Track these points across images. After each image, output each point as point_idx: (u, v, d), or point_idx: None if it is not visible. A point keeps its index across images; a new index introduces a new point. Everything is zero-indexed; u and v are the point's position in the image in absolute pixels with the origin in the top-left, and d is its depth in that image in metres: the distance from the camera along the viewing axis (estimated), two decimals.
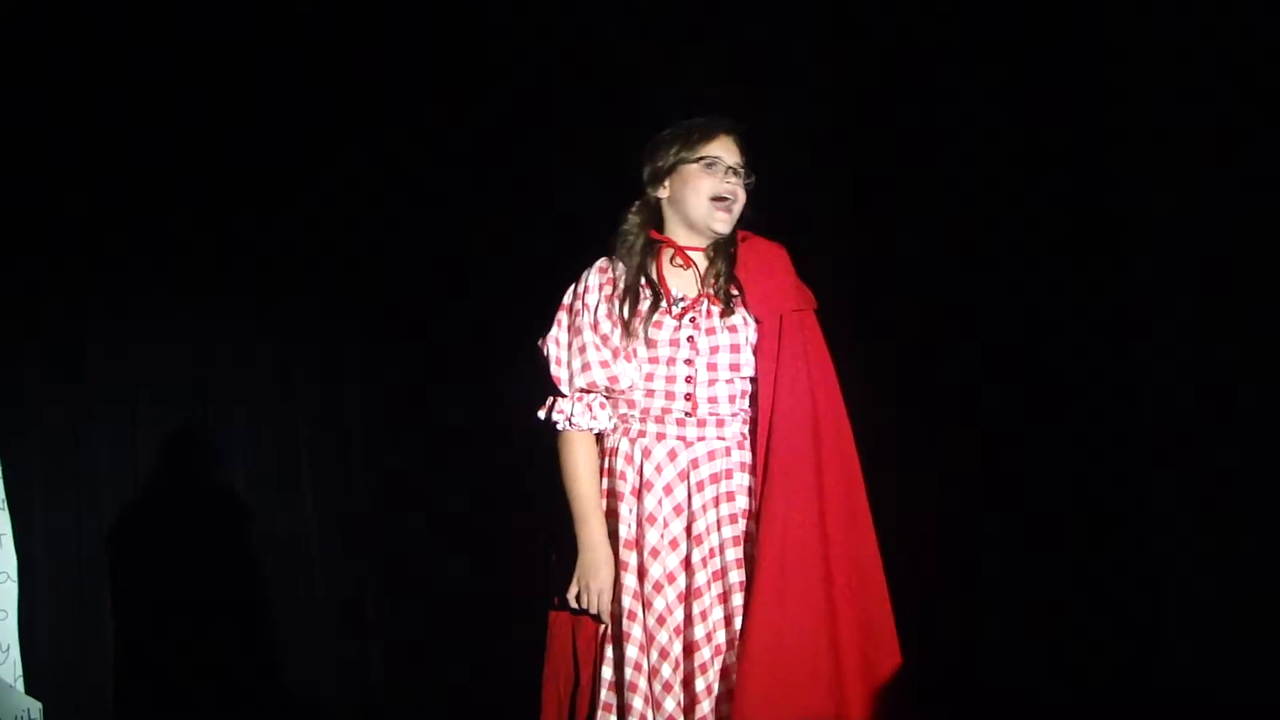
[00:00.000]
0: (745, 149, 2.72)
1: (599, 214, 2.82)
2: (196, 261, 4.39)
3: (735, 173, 2.69)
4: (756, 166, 2.73)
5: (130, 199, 4.27)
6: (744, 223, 2.74)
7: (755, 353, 2.67)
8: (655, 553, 2.59)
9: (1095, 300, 3.71)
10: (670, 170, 2.69)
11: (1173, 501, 3.53)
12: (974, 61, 3.80)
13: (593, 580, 2.60)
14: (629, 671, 2.54)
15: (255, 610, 4.43)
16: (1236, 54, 3.31)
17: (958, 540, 3.78)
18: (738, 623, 2.55)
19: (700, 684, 2.54)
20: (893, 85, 3.83)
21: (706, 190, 2.67)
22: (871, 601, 2.61)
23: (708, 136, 2.69)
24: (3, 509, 4.19)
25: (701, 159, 2.67)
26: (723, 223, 2.68)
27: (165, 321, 4.38)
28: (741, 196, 2.70)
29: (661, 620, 2.56)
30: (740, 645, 2.51)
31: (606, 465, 2.68)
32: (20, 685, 4.18)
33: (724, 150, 2.69)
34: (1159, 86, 3.53)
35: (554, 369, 2.67)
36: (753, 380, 2.68)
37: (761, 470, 2.61)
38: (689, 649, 2.56)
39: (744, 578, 2.58)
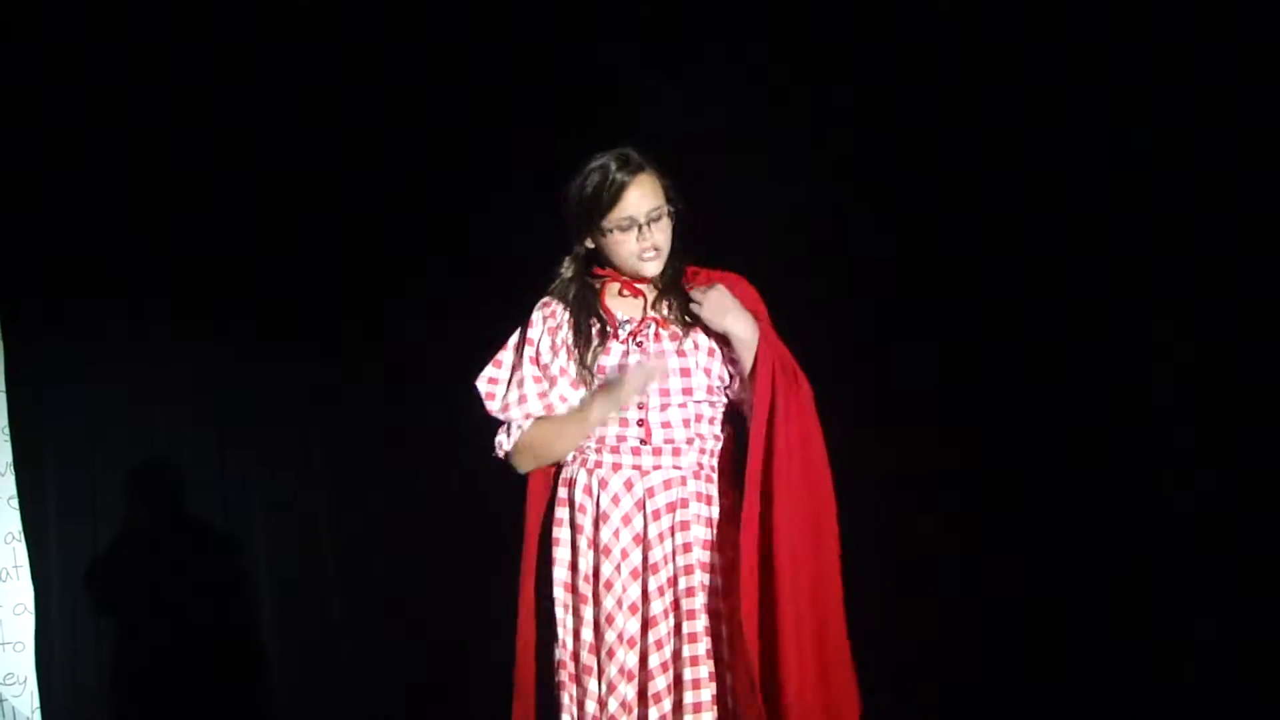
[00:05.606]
0: (662, 178, 2.61)
1: None
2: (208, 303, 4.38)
3: (655, 219, 2.58)
4: (679, 185, 2.64)
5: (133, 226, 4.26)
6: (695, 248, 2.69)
7: (731, 363, 2.60)
8: (609, 585, 2.56)
9: (1097, 301, 3.56)
10: (591, 231, 2.62)
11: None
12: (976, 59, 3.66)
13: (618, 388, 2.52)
14: (591, 706, 2.56)
15: (275, 640, 4.40)
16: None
17: (958, 545, 3.67)
18: (686, 650, 2.54)
19: (654, 714, 2.54)
20: (892, 84, 3.70)
21: (631, 252, 2.59)
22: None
23: (616, 196, 2.55)
24: (19, 541, 4.25)
25: (617, 226, 2.58)
26: (652, 267, 2.61)
27: (176, 357, 4.37)
28: (666, 238, 2.61)
29: (612, 653, 2.54)
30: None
31: (565, 496, 2.65)
32: (37, 717, 4.23)
33: (636, 203, 2.56)
34: (1166, 82, 3.38)
35: (487, 404, 2.66)
36: (712, 404, 2.63)
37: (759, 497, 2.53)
38: (644, 683, 2.55)
39: (694, 606, 2.55)
